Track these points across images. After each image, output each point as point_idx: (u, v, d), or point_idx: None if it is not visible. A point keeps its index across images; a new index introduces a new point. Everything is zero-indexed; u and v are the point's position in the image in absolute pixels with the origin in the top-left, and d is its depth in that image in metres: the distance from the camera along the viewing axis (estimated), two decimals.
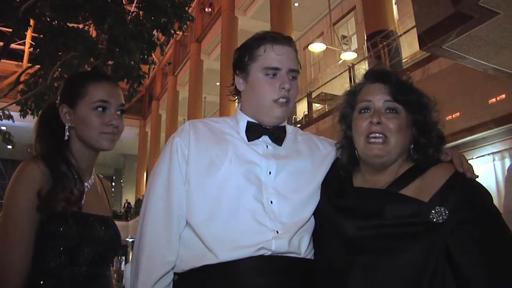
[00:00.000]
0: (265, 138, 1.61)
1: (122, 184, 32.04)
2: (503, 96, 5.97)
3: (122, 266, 19.46)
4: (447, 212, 1.29)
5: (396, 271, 1.31)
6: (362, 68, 1.67)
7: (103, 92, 1.66)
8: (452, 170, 1.39)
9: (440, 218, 1.29)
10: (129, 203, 29.31)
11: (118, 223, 1.87)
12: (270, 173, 1.55)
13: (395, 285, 1.30)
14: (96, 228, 1.61)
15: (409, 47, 9.69)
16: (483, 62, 3.65)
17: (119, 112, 1.70)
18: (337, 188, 1.55)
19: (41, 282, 1.50)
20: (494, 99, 6.11)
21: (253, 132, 1.61)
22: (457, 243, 1.28)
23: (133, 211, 28.09)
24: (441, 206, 1.30)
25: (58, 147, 1.65)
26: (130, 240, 25.91)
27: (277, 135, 1.63)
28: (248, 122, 1.63)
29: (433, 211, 1.30)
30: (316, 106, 12.70)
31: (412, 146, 1.48)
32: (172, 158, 1.56)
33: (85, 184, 1.68)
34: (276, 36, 1.62)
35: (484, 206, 1.33)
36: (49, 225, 1.51)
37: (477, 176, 1.40)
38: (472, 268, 1.25)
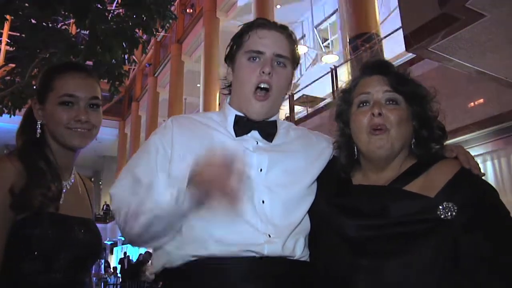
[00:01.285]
0: (254, 134, 1.53)
1: (101, 186, 31.57)
2: (485, 99, 6.03)
3: (102, 269, 19.17)
4: (456, 207, 1.23)
5: (404, 273, 1.24)
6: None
7: (69, 86, 1.56)
8: (458, 166, 1.34)
9: (449, 214, 1.23)
10: (108, 205, 28.92)
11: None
12: (261, 170, 1.47)
13: None
14: (74, 231, 1.51)
15: (390, 52, 9.74)
16: (467, 65, 3.67)
17: (92, 106, 1.59)
18: (335, 186, 1.49)
19: None
20: (475, 103, 6.17)
21: (241, 126, 1.53)
22: (467, 244, 1.22)
23: (111, 214, 27.74)
24: (449, 202, 1.24)
25: (35, 143, 1.56)
26: (109, 243, 25.60)
27: (268, 131, 1.55)
28: (236, 116, 1.54)
29: (440, 207, 1.24)
30: (298, 108, 12.69)
31: (414, 141, 1.43)
32: (151, 157, 1.47)
33: (64, 183, 1.59)
34: (264, 22, 1.55)
35: (495, 204, 1.28)
36: (23, 228, 1.41)
37: (484, 174, 1.36)
38: (482, 270, 1.20)
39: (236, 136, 1.52)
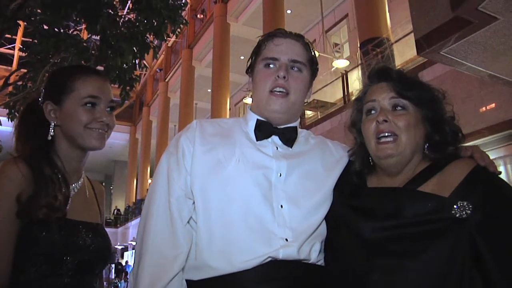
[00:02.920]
0: (275, 139, 1.55)
1: (112, 191, 31.77)
2: (497, 104, 5.97)
3: (112, 274, 19.21)
4: (471, 206, 1.22)
5: (420, 273, 1.23)
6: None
7: (93, 87, 1.58)
8: (472, 164, 1.32)
9: (464, 213, 1.22)
10: (118, 210, 29.08)
11: (107, 229, 1.75)
12: (280, 175, 1.48)
13: None
14: (81, 236, 1.50)
15: (401, 56, 9.69)
16: (480, 69, 3.63)
17: (108, 109, 1.62)
18: (351, 190, 1.50)
19: None
20: (487, 107, 6.11)
21: (262, 130, 1.55)
22: (485, 241, 1.20)
23: (122, 218, 27.89)
24: (463, 201, 1.23)
25: (43, 147, 1.55)
26: (119, 247, 25.69)
27: (288, 136, 1.56)
28: (257, 120, 1.56)
29: (455, 206, 1.23)
30: (308, 113, 12.67)
31: (427, 145, 1.42)
32: (176, 158, 1.50)
33: (72, 186, 1.58)
34: (280, 31, 1.59)
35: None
36: (29, 231, 1.39)
37: (500, 172, 1.34)
38: (500, 267, 1.17)
39: (257, 140, 1.55)
